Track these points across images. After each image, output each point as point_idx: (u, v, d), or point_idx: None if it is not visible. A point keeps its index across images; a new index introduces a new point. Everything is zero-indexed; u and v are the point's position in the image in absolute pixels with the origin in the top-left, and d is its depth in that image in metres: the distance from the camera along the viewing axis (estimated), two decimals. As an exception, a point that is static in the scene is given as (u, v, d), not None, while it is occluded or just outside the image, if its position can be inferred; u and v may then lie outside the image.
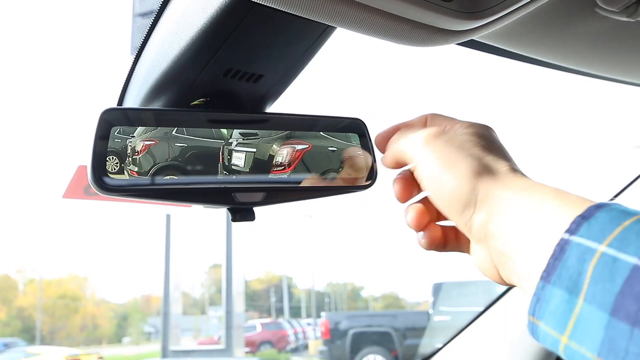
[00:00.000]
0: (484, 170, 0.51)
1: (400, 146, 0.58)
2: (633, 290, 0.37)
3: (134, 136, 0.61)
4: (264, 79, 0.68)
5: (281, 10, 0.53)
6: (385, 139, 0.62)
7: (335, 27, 0.62)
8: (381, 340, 10.49)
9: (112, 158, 0.59)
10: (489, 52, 0.79)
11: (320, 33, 0.64)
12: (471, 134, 0.55)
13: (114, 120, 0.60)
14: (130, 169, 0.60)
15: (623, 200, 1.42)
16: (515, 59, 0.83)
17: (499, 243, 0.48)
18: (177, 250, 13.46)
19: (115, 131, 0.60)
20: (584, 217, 0.42)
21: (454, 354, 1.78)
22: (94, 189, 0.59)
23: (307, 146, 0.69)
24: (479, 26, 0.59)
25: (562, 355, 0.42)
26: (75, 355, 15.02)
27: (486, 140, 0.55)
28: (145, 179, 0.61)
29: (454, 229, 0.57)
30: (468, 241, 0.55)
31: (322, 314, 11.91)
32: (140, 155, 0.61)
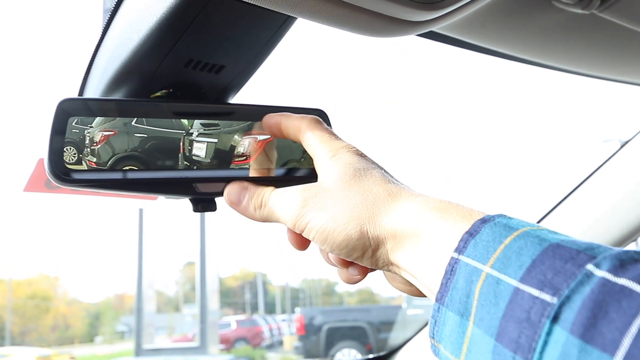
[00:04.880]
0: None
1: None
2: (514, 315, 0.37)
3: (92, 126, 0.60)
4: (226, 69, 0.68)
5: (240, 0, 0.53)
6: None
7: (296, 18, 0.62)
8: (355, 334, 10.55)
9: (70, 149, 0.58)
10: (449, 44, 0.80)
11: (281, 24, 0.64)
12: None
13: (72, 111, 0.59)
14: (88, 160, 0.59)
15: (586, 191, 1.45)
16: (475, 51, 0.84)
17: (402, 271, 0.49)
18: (151, 248, 13.31)
19: (73, 121, 0.59)
20: (471, 233, 0.42)
21: (422, 345, 1.80)
22: (51, 180, 0.59)
23: (269, 136, 0.69)
24: (438, 17, 0.60)
25: None
26: (46, 356, 14.75)
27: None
28: (104, 170, 0.60)
29: None
30: None
31: (297, 309, 11.93)
32: (99, 145, 0.60)
